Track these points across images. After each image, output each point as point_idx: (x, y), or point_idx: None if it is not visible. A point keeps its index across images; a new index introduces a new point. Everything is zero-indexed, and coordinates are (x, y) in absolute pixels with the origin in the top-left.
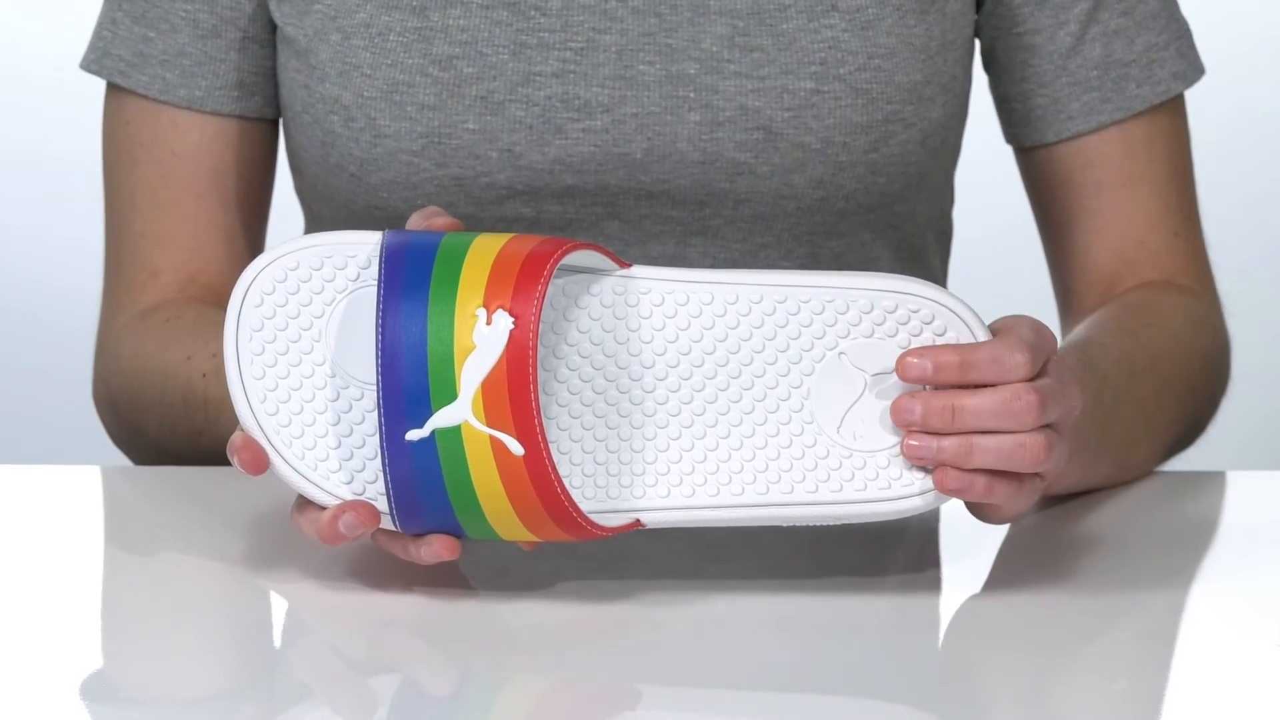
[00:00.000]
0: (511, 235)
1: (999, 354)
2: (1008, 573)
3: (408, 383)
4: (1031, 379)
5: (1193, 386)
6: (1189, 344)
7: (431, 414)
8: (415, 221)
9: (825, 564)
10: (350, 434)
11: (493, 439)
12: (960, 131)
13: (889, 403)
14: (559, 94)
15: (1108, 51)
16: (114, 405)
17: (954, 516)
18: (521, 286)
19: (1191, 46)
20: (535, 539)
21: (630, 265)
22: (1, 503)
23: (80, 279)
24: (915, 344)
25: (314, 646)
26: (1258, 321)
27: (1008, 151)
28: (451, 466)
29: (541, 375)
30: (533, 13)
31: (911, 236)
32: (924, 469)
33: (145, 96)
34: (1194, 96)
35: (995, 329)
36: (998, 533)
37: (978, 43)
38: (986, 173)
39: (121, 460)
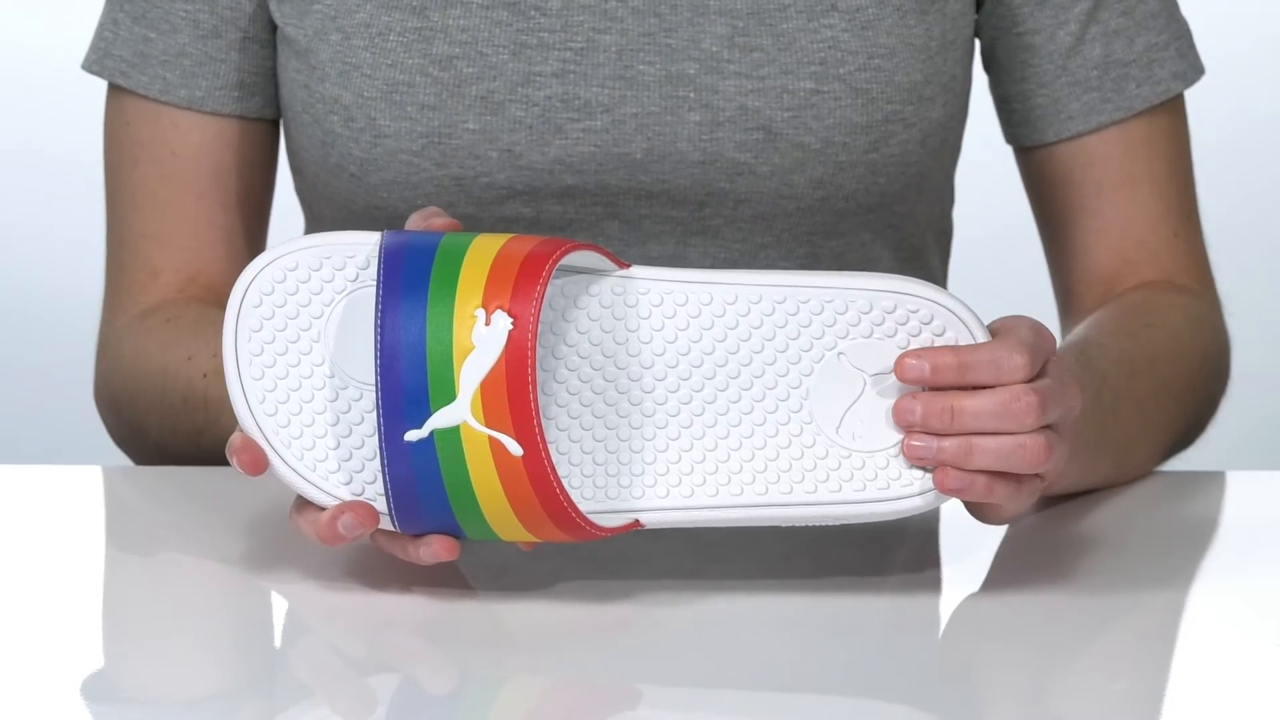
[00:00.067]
0: (510, 236)
1: (998, 356)
2: (1007, 573)
3: (406, 383)
4: (1031, 380)
5: (1193, 387)
6: (1189, 344)
7: (430, 414)
8: (414, 222)
9: (825, 564)
10: (349, 434)
11: (491, 439)
12: (960, 131)
13: (888, 403)
14: (559, 94)
15: (1108, 51)
16: (115, 405)
17: (954, 516)
18: (520, 287)
19: (1191, 46)
20: (534, 539)
21: (629, 265)
22: (1, 503)
23: (80, 279)
24: (914, 344)
25: (314, 646)
26: (1258, 321)
27: (1008, 151)
28: (450, 467)
29: (540, 376)
30: (533, 13)
31: (911, 236)
32: (923, 469)
33: (146, 97)
34: (1194, 96)
35: (994, 330)
36: (997, 533)
37: (978, 43)
38: (986, 173)
39: (122, 460)
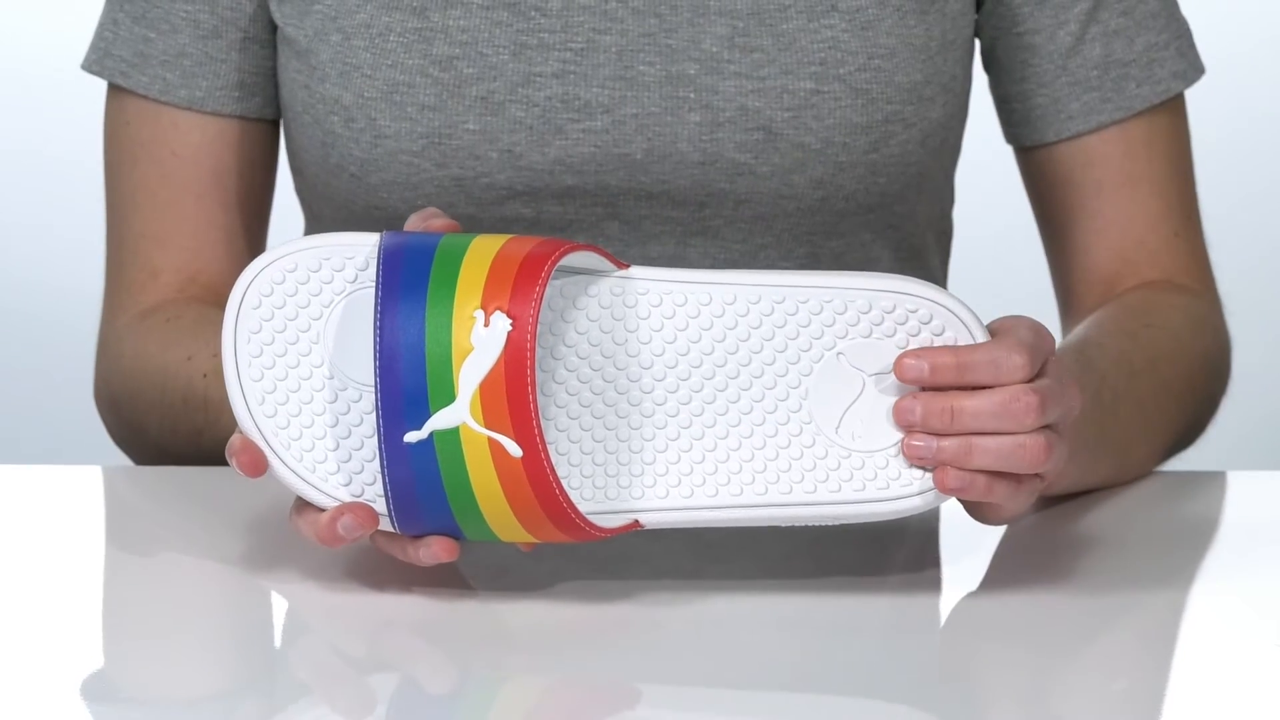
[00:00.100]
0: (509, 236)
1: (997, 356)
2: (1007, 573)
3: (406, 384)
4: (1030, 380)
5: (1193, 386)
6: (1189, 344)
7: (429, 416)
8: (413, 223)
9: (825, 564)
10: (348, 436)
11: (491, 441)
12: (960, 131)
13: (887, 403)
14: (559, 94)
15: (1108, 51)
16: (115, 405)
17: (954, 516)
18: (519, 288)
19: (1191, 46)
20: (533, 540)
21: (628, 266)
22: (1, 503)
23: (80, 279)
24: (913, 344)
25: (313, 646)
26: (1258, 321)
27: (1008, 151)
28: (450, 468)
29: (540, 376)
30: (533, 13)
31: (911, 236)
32: (923, 469)
33: (146, 97)
34: (1194, 96)
35: (994, 330)
36: (997, 533)
37: (978, 43)
38: (986, 173)
39: (122, 460)
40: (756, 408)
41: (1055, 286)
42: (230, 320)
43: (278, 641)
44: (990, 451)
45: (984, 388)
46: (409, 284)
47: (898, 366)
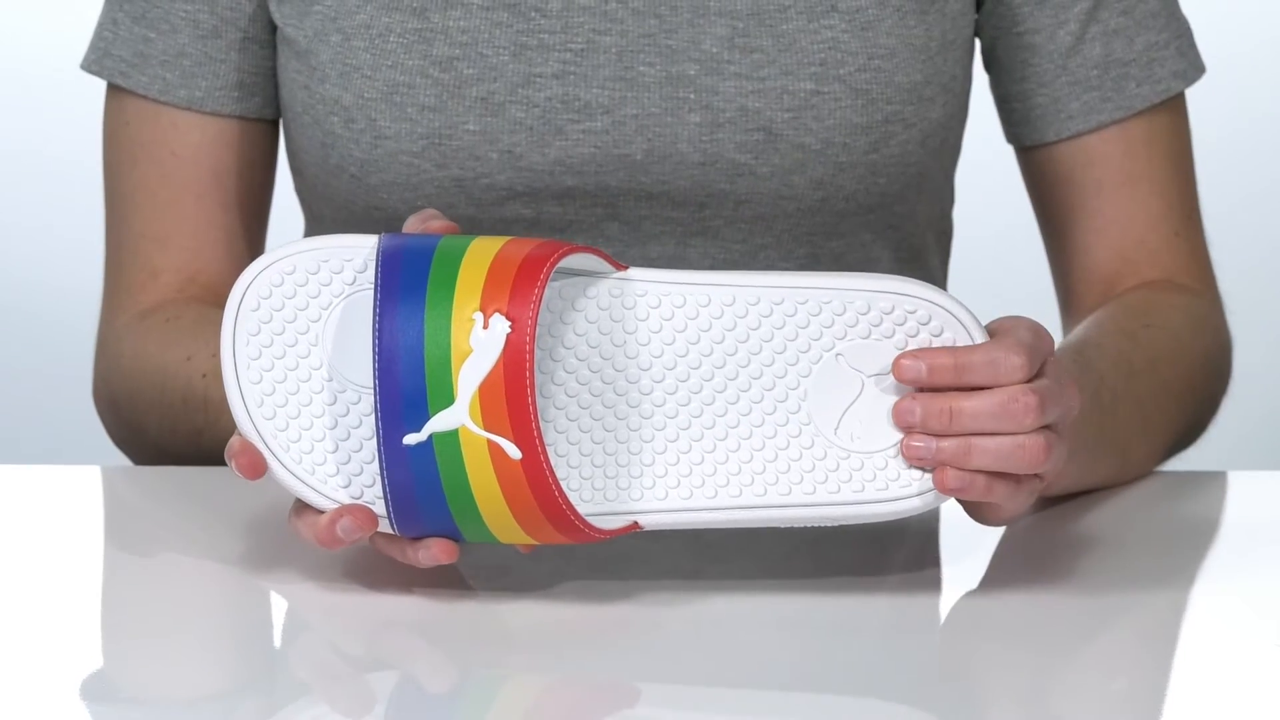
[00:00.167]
0: (508, 238)
1: (995, 357)
2: (1007, 573)
3: (405, 387)
4: (1029, 380)
5: (1193, 386)
6: (1189, 344)
7: (429, 418)
8: (412, 224)
9: (825, 564)
10: (347, 438)
11: (490, 443)
12: (960, 131)
13: (886, 404)
14: (559, 95)
15: (1108, 51)
16: (114, 405)
17: (954, 516)
18: (518, 290)
19: (1192, 45)
20: (533, 542)
21: (626, 267)
22: (1, 503)
23: (80, 279)
24: (912, 345)
25: (313, 646)
26: (1258, 321)
27: (1008, 151)
28: (449, 470)
29: (539, 378)
30: (533, 14)
31: (911, 237)
32: (922, 469)
33: (145, 97)
34: (1194, 96)
35: (993, 330)
36: (997, 533)
37: (978, 43)
38: (986, 173)
39: (121, 460)
40: (755, 409)
41: (1056, 286)
42: (229, 323)
43: (277, 641)
44: (989, 452)
45: (983, 388)
46: (408, 286)
47: (896, 367)
